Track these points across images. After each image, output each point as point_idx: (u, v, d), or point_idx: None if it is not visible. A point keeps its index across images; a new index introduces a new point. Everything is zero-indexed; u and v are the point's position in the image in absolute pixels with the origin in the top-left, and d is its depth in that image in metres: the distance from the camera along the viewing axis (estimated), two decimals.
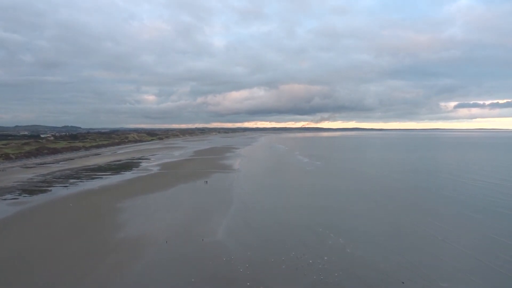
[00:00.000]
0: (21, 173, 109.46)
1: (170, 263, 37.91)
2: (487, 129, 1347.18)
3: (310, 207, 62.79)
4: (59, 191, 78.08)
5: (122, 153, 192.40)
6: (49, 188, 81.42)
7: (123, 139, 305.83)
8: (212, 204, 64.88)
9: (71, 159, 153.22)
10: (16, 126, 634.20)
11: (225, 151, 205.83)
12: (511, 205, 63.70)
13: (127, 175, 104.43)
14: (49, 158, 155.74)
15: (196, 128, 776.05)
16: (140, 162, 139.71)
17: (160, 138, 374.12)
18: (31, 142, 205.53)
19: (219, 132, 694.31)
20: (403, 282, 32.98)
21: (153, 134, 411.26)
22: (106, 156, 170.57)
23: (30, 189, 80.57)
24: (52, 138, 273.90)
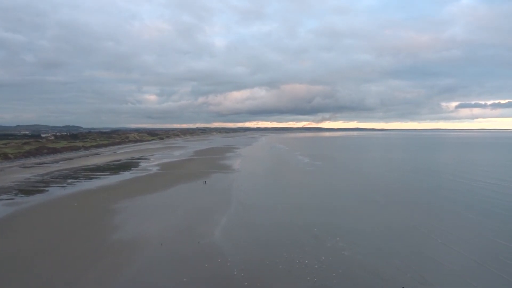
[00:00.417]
0: (19, 173, 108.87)
1: (164, 266, 37.07)
2: (489, 129, 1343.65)
3: (309, 208, 61.89)
4: (56, 191, 77.38)
5: (122, 153, 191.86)
6: (46, 188, 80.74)
7: (124, 139, 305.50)
8: (210, 205, 64.05)
9: (70, 159, 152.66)
10: (18, 125, 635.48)
11: (225, 151, 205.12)
12: None
13: (126, 175, 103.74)
14: (48, 158, 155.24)
15: (197, 128, 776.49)
16: (140, 162, 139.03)
17: (161, 138, 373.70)
18: (31, 142, 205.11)
19: (220, 132, 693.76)
20: (403, 287, 32.09)
21: (154, 134, 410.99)
22: (106, 156, 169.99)
23: (26, 189, 79.90)
24: (52, 137, 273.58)
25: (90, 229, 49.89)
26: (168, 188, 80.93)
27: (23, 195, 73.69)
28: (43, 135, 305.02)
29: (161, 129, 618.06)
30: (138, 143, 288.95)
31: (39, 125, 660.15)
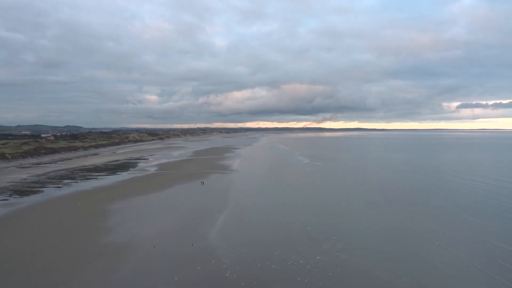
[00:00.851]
0: (16, 173, 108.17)
1: (155, 269, 36.19)
2: (490, 130, 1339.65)
3: (306, 209, 60.93)
4: (51, 192, 76.63)
5: (121, 153, 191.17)
6: (41, 189, 79.99)
7: (123, 139, 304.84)
8: (206, 206, 63.20)
9: (68, 159, 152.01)
10: (19, 125, 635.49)
11: (224, 151, 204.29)
12: None
13: (123, 175, 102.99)
14: (46, 158, 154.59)
15: (197, 128, 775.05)
16: (138, 162, 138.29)
17: (161, 138, 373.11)
18: (30, 142, 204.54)
19: (220, 132, 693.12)
20: None
21: (154, 134, 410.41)
22: (104, 156, 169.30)
23: (22, 190, 79.17)
24: (52, 137, 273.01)
25: (83, 231, 49.07)
26: (165, 189, 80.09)
27: (17, 196, 72.95)
28: (43, 135, 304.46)
29: (161, 129, 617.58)
30: (138, 143, 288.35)
31: (40, 125, 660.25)
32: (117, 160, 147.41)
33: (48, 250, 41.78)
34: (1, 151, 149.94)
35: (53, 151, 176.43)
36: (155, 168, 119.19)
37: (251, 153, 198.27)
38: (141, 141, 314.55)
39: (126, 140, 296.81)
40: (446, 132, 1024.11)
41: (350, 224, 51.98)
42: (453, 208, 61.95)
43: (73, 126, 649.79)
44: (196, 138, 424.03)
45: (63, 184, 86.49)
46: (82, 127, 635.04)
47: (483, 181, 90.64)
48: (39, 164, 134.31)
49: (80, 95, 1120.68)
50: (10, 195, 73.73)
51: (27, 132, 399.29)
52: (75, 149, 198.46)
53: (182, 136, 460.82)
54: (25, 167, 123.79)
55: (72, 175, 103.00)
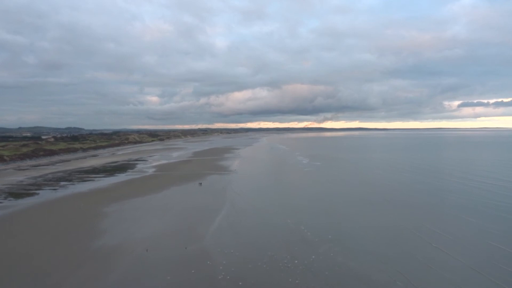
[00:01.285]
0: (13, 175, 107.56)
1: (147, 273, 35.36)
2: (491, 128, 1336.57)
3: (302, 211, 59.96)
4: (46, 195, 75.92)
5: (120, 154, 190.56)
6: (37, 192, 79.27)
7: (123, 140, 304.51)
8: (202, 207, 62.39)
9: (67, 161, 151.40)
10: (20, 127, 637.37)
11: (224, 152, 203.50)
12: None
13: (121, 177, 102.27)
14: (45, 160, 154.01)
15: (199, 129, 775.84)
16: (136, 164, 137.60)
17: (161, 139, 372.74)
18: (29, 144, 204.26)
19: (221, 132, 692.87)
20: None
21: (154, 135, 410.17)
22: (103, 158, 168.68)
23: (17, 193, 78.49)
24: (52, 139, 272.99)
25: (75, 234, 48.34)
26: (161, 191, 79.30)
27: (12, 199, 72.24)
28: (43, 137, 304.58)
29: (163, 130, 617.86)
30: (137, 145, 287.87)
31: (41, 127, 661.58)
32: (116, 162, 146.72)
33: (38, 253, 41.08)
34: None
35: (51, 153, 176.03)
36: (153, 170, 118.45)
37: (251, 153, 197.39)
38: (141, 142, 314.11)
39: (126, 142, 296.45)
40: (447, 131, 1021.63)
41: (346, 225, 51.03)
42: (452, 208, 60.95)
43: (74, 128, 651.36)
44: (197, 139, 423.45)
45: (60, 186, 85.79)
46: (83, 129, 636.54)
47: (484, 181, 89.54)
48: (37, 166, 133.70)
49: (81, 96, 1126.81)
50: (5, 198, 73.02)
51: (28, 134, 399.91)
52: (74, 150, 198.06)
53: (183, 137, 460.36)
54: (22, 169, 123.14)
55: (69, 177, 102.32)
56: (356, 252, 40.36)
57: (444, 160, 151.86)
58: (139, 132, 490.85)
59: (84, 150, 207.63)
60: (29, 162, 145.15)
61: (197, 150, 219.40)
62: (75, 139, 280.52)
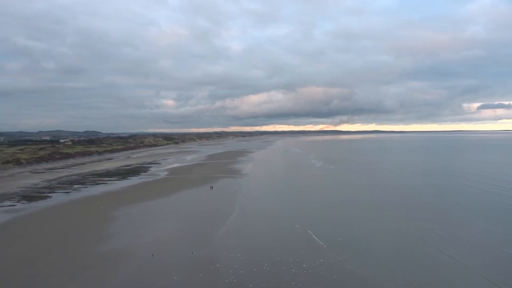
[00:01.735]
0: (28, 178, 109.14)
1: (152, 277, 34.44)
2: None
3: (313, 217, 58.11)
4: (58, 198, 76.39)
5: (134, 157, 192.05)
6: (50, 195, 79.86)
7: (139, 143, 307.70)
8: (212, 211, 61.43)
9: (82, 164, 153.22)
10: (40, 131, 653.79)
11: (238, 155, 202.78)
12: None
13: (133, 180, 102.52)
14: (60, 163, 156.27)
15: (214, 132, 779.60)
16: (150, 167, 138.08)
17: (176, 143, 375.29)
18: (47, 147, 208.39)
19: (236, 135, 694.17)
20: None
21: (169, 139, 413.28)
22: (118, 161, 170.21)
23: (30, 196, 79.25)
24: (70, 143, 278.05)
25: (83, 237, 48.03)
26: (172, 194, 78.84)
27: (25, 202, 72.89)
28: (61, 141, 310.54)
29: (178, 134, 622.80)
30: (152, 148, 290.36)
31: (60, 130, 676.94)
32: (130, 165, 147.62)
33: (45, 256, 40.97)
34: (17, 156, 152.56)
35: (67, 156, 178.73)
36: (166, 173, 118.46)
37: (264, 157, 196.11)
38: (156, 145, 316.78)
39: (142, 145, 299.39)
40: (467, 133, 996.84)
41: (356, 230, 49.15)
42: (467, 215, 58.20)
43: (92, 131, 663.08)
44: (211, 142, 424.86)
45: (72, 190, 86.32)
46: (100, 132, 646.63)
47: (501, 186, 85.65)
48: (53, 169, 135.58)
49: (99, 100, 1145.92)
50: (18, 201, 73.74)
51: (47, 138, 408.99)
52: (90, 154, 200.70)
53: (198, 140, 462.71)
54: (38, 172, 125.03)
55: (83, 180, 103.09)
56: (367, 260, 38.45)
57: (462, 163, 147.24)
58: (154, 135, 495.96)
59: (99, 153, 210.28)
60: (45, 165, 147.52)
61: (211, 153, 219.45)
62: (91, 143, 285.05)
